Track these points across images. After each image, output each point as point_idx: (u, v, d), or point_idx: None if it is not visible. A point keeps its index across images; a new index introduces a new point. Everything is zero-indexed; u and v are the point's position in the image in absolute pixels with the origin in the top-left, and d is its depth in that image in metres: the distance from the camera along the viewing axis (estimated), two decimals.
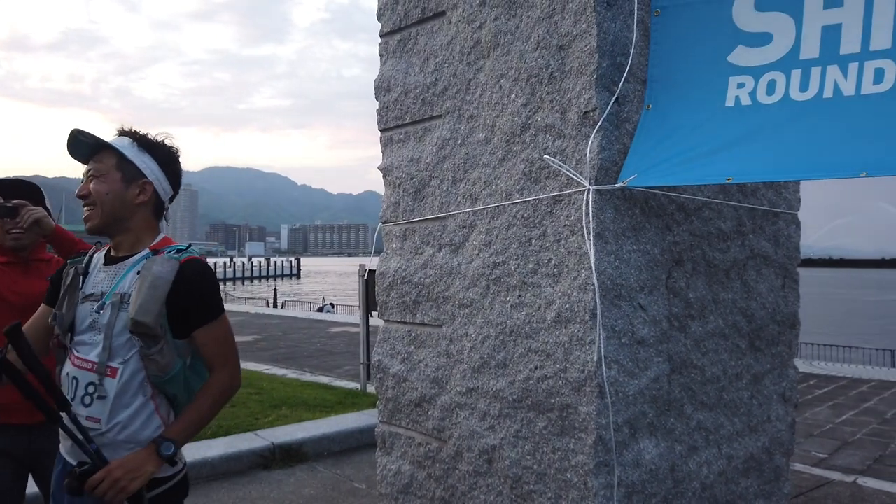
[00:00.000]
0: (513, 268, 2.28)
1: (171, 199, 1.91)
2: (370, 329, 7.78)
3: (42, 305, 1.93)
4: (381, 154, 2.88)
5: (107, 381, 1.68)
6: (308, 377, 8.14)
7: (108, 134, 1.85)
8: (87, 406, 1.69)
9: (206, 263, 1.82)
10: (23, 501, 2.48)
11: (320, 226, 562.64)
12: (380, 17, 2.85)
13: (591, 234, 2.00)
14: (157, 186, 1.82)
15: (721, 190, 2.46)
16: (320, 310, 24.54)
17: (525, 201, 2.25)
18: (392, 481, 2.78)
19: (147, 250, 1.79)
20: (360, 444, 5.29)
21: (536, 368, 2.19)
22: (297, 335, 12.21)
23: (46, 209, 2.45)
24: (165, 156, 1.85)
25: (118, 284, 1.74)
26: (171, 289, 1.67)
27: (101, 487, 1.59)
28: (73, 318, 1.77)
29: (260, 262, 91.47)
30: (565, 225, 2.13)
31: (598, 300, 1.99)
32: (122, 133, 1.83)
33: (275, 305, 27.19)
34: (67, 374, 1.76)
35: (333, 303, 27.22)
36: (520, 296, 2.26)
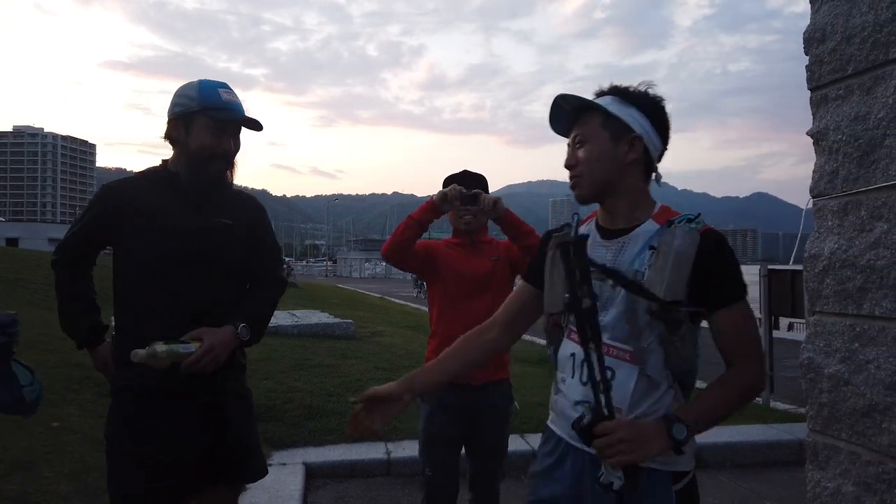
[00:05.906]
0: None
1: (659, 157, 1.67)
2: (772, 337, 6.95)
3: (521, 283, 1.88)
4: (805, 137, 2.46)
5: (625, 366, 1.53)
6: None
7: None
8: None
9: (723, 235, 1.54)
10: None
11: None
12: None
13: None
14: (646, 142, 1.60)
15: None
16: None
17: None
18: (828, 501, 2.34)
19: (652, 222, 1.57)
20: (766, 459, 4.75)
21: None
22: None
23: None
24: (651, 106, 1.61)
25: (629, 261, 1.55)
26: (693, 265, 1.47)
27: (602, 441, 1.42)
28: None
29: None
30: None
31: None
32: (601, 93, 1.64)
33: None
34: (573, 354, 1.62)
35: None
36: None
